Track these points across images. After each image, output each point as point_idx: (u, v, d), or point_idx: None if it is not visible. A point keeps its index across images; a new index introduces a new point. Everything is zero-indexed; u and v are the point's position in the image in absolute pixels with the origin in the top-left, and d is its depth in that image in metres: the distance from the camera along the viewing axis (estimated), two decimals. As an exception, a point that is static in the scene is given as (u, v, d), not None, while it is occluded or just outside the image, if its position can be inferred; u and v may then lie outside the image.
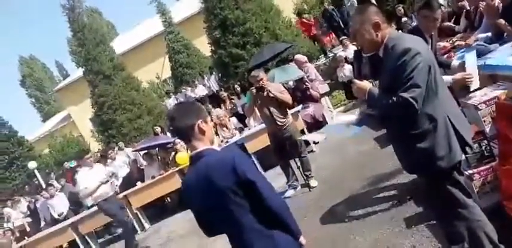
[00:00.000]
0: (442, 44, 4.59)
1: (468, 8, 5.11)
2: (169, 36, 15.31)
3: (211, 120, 8.18)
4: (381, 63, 2.21)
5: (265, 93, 4.90)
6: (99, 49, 13.12)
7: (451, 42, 4.57)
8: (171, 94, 14.65)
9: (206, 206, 1.87)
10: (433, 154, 2.13)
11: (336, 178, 5.29)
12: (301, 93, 7.39)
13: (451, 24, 5.35)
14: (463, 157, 2.94)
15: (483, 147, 2.91)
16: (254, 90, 4.96)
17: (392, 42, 2.11)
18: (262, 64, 8.15)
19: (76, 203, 8.79)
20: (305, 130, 6.95)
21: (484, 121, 3.08)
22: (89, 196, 6.39)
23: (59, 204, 8.65)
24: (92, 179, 6.18)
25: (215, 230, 1.97)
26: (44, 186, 11.65)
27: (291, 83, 7.68)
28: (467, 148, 2.81)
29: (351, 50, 8.16)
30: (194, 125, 1.86)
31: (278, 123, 5.06)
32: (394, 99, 2.03)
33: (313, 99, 7.37)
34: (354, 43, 5.43)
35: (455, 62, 3.25)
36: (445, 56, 4.26)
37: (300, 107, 7.04)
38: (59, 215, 8.51)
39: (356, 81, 2.26)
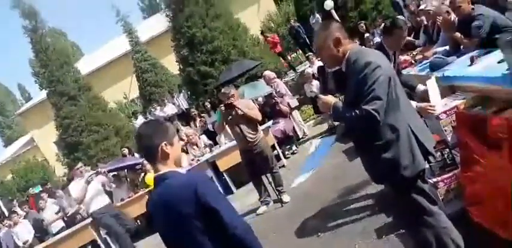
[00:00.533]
0: (402, 57, 4.79)
1: (426, 22, 5.38)
2: (136, 56, 15.19)
3: (181, 139, 8.12)
4: (344, 77, 2.29)
5: (233, 111, 4.92)
6: (63, 70, 12.83)
7: (411, 55, 4.78)
8: (137, 114, 14.42)
9: (169, 231, 1.83)
10: (397, 163, 2.18)
11: (307, 192, 5.32)
12: (270, 109, 7.46)
13: (411, 38, 5.60)
14: (427, 165, 3.05)
15: (445, 156, 3.01)
16: (223, 107, 4.97)
17: (354, 57, 2.18)
18: (231, 81, 8.22)
19: (41, 231, 8.42)
20: (276, 145, 6.98)
21: (445, 130, 3.20)
22: (81, 204, 6.47)
23: (24, 232, 8.22)
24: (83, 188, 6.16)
25: None
26: (6, 213, 11.11)
27: (260, 99, 7.75)
28: (430, 157, 2.94)
29: (317, 66, 8.36)
30: (158, 147, 1.81)
31: (248, 139, 5.07)
32: (357, 111, 2.08)
33: (283, 114, 7.44)
34: (319, 59, 5.57)
35: (420, 87, 3.38)
36: (407, 69, 4.45)
37: (270, 123, 7.09)
38: (23, 244, 8.07)
39: (321, 96, 2.32)
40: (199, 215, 1.71)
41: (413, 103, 3.29)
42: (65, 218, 8.42)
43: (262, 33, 14.35)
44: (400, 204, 2.42)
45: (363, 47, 3.19)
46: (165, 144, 1.81)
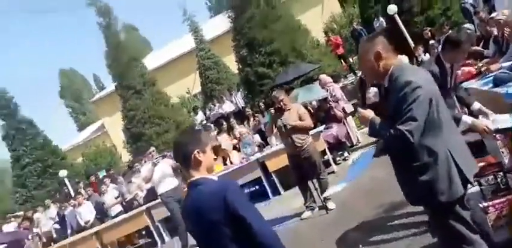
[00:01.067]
0: (466, 69, 4.55)
1: (496, 33, 5.04)
2: (200, 53, 15.76)
3: (234, 137, 8.31)
4: (386, 92, 2.26)
5: (283, 129, 4.95)
6: (131, 65, 13.64)
7: (476, 67, 4.51)
8: (198, 110, 14.96)
9: (200, 235, 1.91)
10: (433, 187, 2.12)
11: (354, 201, 5.21)
12: (324, 113, 7.39)
13: (479, 48, 5.28)
14: (476, 189, 2.90)
15: (499, 179, 2.83)
16: (273, 111, 5.02)
17: (397, 73, 2.14)
18: (286, 83, 8.24)
19: (101, 213, 9.05)
20: (326, 150, 6.92)
21: (503, 152, 3.02)
22: (148, 183, 6.84)
23: (86, 212, 8.88)
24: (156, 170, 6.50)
25: None
26: (72, 194, 12.06)
27: (314, 103, 7.70)
28: (481, 180, 2.78)
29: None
30: (191, 154, 1.90)
31: (297, 144, 5.08)
32: (392, 131, 2.06)
33: (337, 119, 7.34)
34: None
35: (475, 105, 3.20)
36: (469, 81, 4.21)
37: (322, 127, 7.03)
38: (85, 223, 8.73)
39: (360, 110, 2.31)
40: (228, 223, 1.77)
41: (470, 119, 3.14)
42: (123, 203, 9.01)
43: (326, 33, 14.20)
44: (439, 229, 2.34)
45: (408, 63, 3.05)
46: (197, 151, 1.91)
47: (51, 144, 18.15)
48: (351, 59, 13.14)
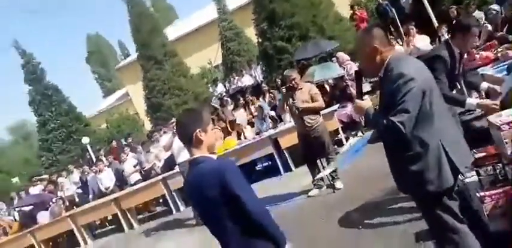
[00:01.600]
0: (484, 53, 4.42)
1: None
2: (223, 24, 15.59)
3: (250, 113, 8.38)
4: (380, 82, 2.28)
5: (293, 108, 4.95)
6: (153, 35, 13.65)
7: (495, 52, 4.37)
8: (218, 82, 15.01)
9: (200, 209, 2.05)
10: (422, 177, 2.17)
11: (362, 182, 5.26)
12: (339, 92, 7.33)
13: (504, 33, 5.06)
14: (476, 178, 2.91)
15: (498, 170, 2.83)
16: (284, 90, 5.03)
17: (392, 65, 2.16)
18: (304, 60, 8.13)
19: (121, 180, 9.44)
20: (339, 129, 6.92)
21: (506, 142, 2.98)
22: (167, 151, 7.05)
23: (107, 179, 9.26)
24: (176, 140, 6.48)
25: (212, 232, 2.09)
26: (94, 160, 12.56)
27: (330, 81, 7.63)
28: (480, 171, 2.80)
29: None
30: (192, 134, 1.98)
31: (307, 123, 5.12)
32: (385, 122, 2.10)
33: (352, 98, 7.26)
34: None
35: (484, 84, 3.13)
36: (485, 67, 4.10)
37: (336, 106, 7.00)
38: (106, 189, 9.13)
39: (357, 100, 2.33)
40: (224, 200, 1.88)
41: (475, 101, 3.14)
42: (142, 172, 9.34)
43: (352, 7, 13.71)
44: (426, 218, 2.40)
45: (404, 54, 2.97)
46: (199, 131, 1.98)
47: (75, 110, 18.70)
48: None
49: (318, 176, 4.88)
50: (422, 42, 6.18)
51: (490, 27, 5.63)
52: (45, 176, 13.03)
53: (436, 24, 7.14)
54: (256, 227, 1.90)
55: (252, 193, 1.96)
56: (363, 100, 2.33)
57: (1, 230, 9.44)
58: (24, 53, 18.28)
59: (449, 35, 3.35)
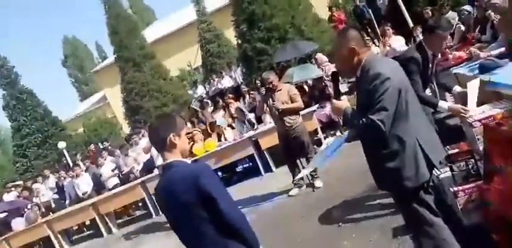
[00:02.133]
0: (458, 53, 4.54)
1: (493, 18, 4.95)
2: (202, 26, 15.56)
3: (230, 116, 8.36)
4: (357, 82, 2.33)
5: (273, 109, 5.00)
6: (131, 37, 13.52)
7: (467, 52, 4.49)
8: (198, 84, 14.95)
9: (173, 215, 2.01)
10: (400, 174, 2.22)
11: (341, 181, 5.33)
12: (318, 92, 7.41)
13: (476, 34, 5.21)
14: (450, 174, 2.99)
15: (470, 166, 2.91)
16: (264, 91, 5.07)
17: (368, 66, 2.21)
18: (283, 61, 8.19)
19: (99, 184, 9.25)
20: (318, 129, 6.99)
21: (478, 139, 3.06)
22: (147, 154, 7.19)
23: (84, 184, 9.06)
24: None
25: (181, 237, 2.06)
26: (71, 165, 12.29)
27: (309, 82, 7.71)
28: (453, 166, 2.88)
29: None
30: (166, 138, 1.98)
31: (286, 123, 5.16)
32: (364, 120, 2.14)
33: (340, 93, 7.32)
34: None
35: (456, 88, 3.24)
36: (458, 67, 4.21)
37: (315, 107, 7.08)
38: (83, 194, 8.92)
39: (334, 101, 2.38)
40: (199, 204, 1.86)
41: (447, 104, 3.22)
42: (120, 176, 9.19)
43: (330, 9, 13.89)
44: (403, 212, 2.45)
45: (379, 55, 3.05)
46: (173, 135, 1.98)
47: (51, 114, 18.32)
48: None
49: (298, 176, 4.94)
50: (398, 42, 6.33)
51: (463, 28, 5.81)
52: (20, 182, 12.69)
53: (411, 25, 7.32)
54: (230, 231, 1.89)
55: (228, 196, 1.95)
56: (340, 100, 2.36)
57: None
58: (-2, 57, 17.84)
59: (422, 37, 3.44)
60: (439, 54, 4.65)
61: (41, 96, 18.63)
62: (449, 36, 6.35)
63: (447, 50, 4.92)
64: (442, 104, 3.17)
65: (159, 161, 6.58)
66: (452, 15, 6.38)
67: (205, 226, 1.89)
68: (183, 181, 1.89)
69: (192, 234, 1.94)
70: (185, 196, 1.87)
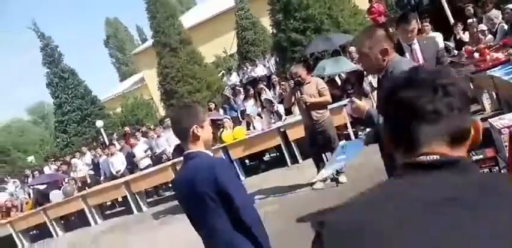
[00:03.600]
0: (495, 54, 4.40)
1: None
2: (239, 13, 15.52)
3: (261, 106, 8.37)
4: (379, 83, 2.35)
5: (301, 102, 5.01)
6: (168, 22, 13.70)
7: (506, 53, 4.34)
8: (232, 71, 15.03)
9: (189, 204, 2.05)
10: None
11: (366, 178, 5.28)
12: (351, 86, 7.33)
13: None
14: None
15: (493, 174, 2.87)
16: (292, 84, 5.09)
17: (392, 66, 2.21)
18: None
19: (132, 164, 9.65)
20: (348, 124, 6.96)
21: (506, 146, 3.01)
22: None
23: (118, 162, 9.46)
24: None
25: (194, 226, 2.10)
26: (107, 143, 12.83)
27: (343, 75, 7.62)
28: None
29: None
30: (189, 130, 1.98)
31: (313, 117, 5.18)
32: None
33: (364, 93, 7.27)
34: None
35: None
36: (493, 69, 4.09)
37: (346, 101, 7.00)
38: (116, 172, 9.34)
39: (356, 100, 2.37)
40: (214, 197, 1.87)
41: None
42: (153, 157, 9.54)
43: (370, 0, 13.48)
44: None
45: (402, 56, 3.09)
46: (196, 127, 1.98)
47: (91, 93, 19.04)
48: (390, 29, 12.52)
49: (318, 176, 4.94)
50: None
51: (506, 27, 5.56)
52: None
53: (451, 21, 7.04)
54: (241, 228, 1.89)
55: (243, 193, 1.98)
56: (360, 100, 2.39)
57: (18, 206, 9.76)
58: (43, 36, 18.58)
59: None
60: (478, 54, 4.54)
61: (82, 75, 19.33)
62: (490, 36, 6.15)
63: (486, 50, 4.77)
64: None
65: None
66: (495, 14, 6.12)
67: (216, 220, 1.92)
68: (201, 173, 1.91)
69: (204, 226, 1.98)
70: (202, 188, 1.89)
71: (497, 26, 5.79)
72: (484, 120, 3.50)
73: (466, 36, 6.94)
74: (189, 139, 2.00)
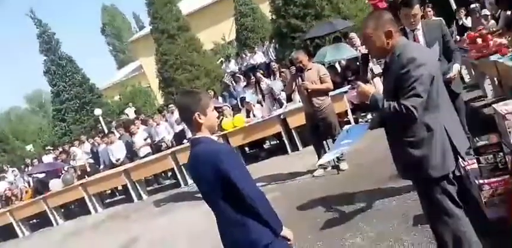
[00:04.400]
0: (499, 40, 4.33)
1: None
2: (238, -1, 15.30)
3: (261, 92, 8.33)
4: (386, 67, 2.29)
5: (302, 89, 4.96)
6: (166, 9, 13.50)
7: (509, 39, 4.27)
8: (231, 58, 14.90)
9: (200, 186, 2.11)
10: (426, 162, 2.20)
11: (367, 165, 5.31)
12: (351, 73, 7.27)
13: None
14: (476, 166, 2.94)
15: (498, 159, 2.85)
16: (293, 70, 5.03)
17: (399, 50, 2.17)
18: (317, 38, 7.99)
19: (131, 152, 9.61)
20: (349, 111, 6.92)
21: (510, 132, 2.98)
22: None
23: (118, 150, 9.39)
24: None
25: (212, 209, 2.14)
26: (106, 131, 12.77)
27: (343, 62, 7.55)
28: (481, 158, 2.84)
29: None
30: (191, 117, 2.02)
31: (314, 103, 5.14)
32: (396, 106, 2.10)
33: (364, 79, 7.18)
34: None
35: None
36: (498, 55, 4.03)
37: (347, 87, 6.96)
38: (116, 161, 9.29)
39: (361, 84, 2.33)
40: (218, 181, 1.93)
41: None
42: (152, 145, 9.50)
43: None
44: (423, 202, 2.45)
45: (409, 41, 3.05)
46: (198, 114, 2.01)
47: (89, 81, 18.90)
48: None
49: (320, 161, 4.93)
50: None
51: (508, 12, 5.48)
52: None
53: (454, 6, 6.94)
54: (250, 211, 1.93)
55: (247, 176, 2.00)
56: (368, 84, 2.34)
57: (18, 194, 9.76)
58: (40, 23, 18.36)
59: None
60: (480, 39, 4.47)
61: (80, 63, 19.16)
62: (493, 21, 6.06)
63: (489, 35, 4.69)
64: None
65: (189, 133, 6.71)
66: (497, -1, 6.02)
67: (224, 203, 1.97)
68: (204, 159, 1.96)
69: (214, 207, 2.05)
70: (207, 172, 1.95)
71: (499, 11, 5.70)
72: (487, 106, 3.47)
73: (468, 22, 6.87)
74: (193, 126, 2.05)
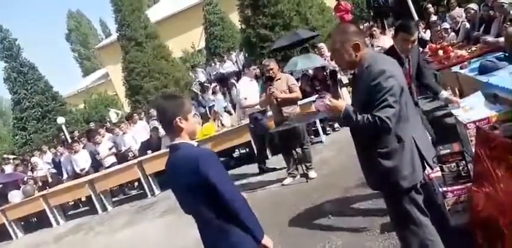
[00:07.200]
0: (459, 52, 4.51)
1: (499, 17, 4.89)
2: (207, 7, 15.33)
3: (230, 100, 8.34)
4: (354, 79, 2.31)
5: (272, 98, 4.99)
6: (134, 16, 13.35)
7: (469, 51, 4.47)
8: (197, 68, 14.79)
9: (176, 192, 2.07)
10: (397, 173, 2.22)
11: (335, 173, 5.38)
12: (319, 83, 7.38)
13: (479, 33, 5.15)
14: (440, 174, 3.02)
15: (461, 167, 2.94)
16: (264, 79, 5.05)
17: (368, 62, 2.19)
18: (284, 48, 8.10)
19: (96, 162, 9.31)
20: (317, 120, 6.99)
21: (471, 140, 3.09)
22: (246, 108, 6.53)
23: (82, 160, 9.08)
24: (252, 90, 6.14)
25: (189, 214, 2.11)
26: (69, 141, 12.33)
27: (311, 71, 7.67)
28: (444, 167, 2.92)
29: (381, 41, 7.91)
30: (172, 122, 1.98)
31: (284, 113, 5.17)
32: (370, 118, 2.11)
33: (336, 95, 7.28)
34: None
35: (443, 93, 3.31)
36: (458, 66, 4.19)
37: (315, 97, 7.04)
38: (80, 170, 8.97)
39: (332, 100, 2.32)
40: (200, 186, 1.90)
41: (446, 94, 3.41)
42: (117, 155, 9.23)
43: (337, -3, 13.64)
44: (392, 211, 2.48)
45: (376, 52, 3.09)
46: (179, 118, 1.98)
47: (51, 89, 18.24)
48: (361, 26, 12.76)
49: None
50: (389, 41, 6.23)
51: (468, 25, 5.75)
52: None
53: (416, 18, 7.19)
54: (231, 217, 1.91)
55: (228, 180, 1.98)
56: (338, 97, 2.36)
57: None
58: (1, 29, 17.66)
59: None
60: (442, 51, 4.65)
61: (43, 71, 18.51)
62: (453, 34, 6.35)
63: (450, 47, 4.90)
64: (444, 93, 3.38)
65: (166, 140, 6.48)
66: (458, 12, 6.33)
67: (206, 210, 1.94)
68: (185, 165, 1.93)
69: (195, 215, 2.03)
70: (187, 178, 1.91)
71: (460, 24, 5.98)
72: (447, 115, 3.59)
73: (427, 35, 7.17)
74: (172, 130, 2.01)
